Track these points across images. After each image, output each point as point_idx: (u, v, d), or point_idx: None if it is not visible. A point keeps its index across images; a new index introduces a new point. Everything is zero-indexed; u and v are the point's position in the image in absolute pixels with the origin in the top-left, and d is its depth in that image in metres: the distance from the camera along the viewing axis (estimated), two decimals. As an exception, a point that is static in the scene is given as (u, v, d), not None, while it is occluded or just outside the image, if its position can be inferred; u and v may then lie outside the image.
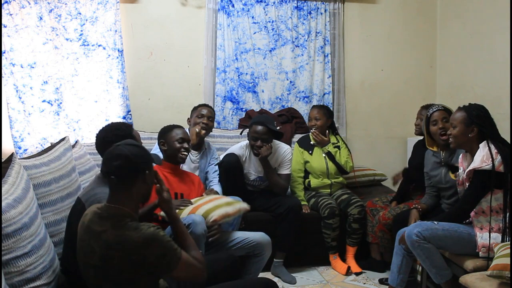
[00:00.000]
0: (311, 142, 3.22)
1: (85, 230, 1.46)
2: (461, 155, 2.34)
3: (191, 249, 1.55)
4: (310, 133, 3.22)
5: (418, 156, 2.88)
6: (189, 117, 3.11)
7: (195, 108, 3.10)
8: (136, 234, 1.37)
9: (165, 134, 2.50)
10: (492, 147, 2.10)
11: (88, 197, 1.77)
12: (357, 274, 2.93)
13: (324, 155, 3.19)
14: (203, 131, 2.93)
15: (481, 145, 2.14)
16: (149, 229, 1.39)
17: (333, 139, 3.27)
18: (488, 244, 2.10)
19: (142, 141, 3.11)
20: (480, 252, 2.12)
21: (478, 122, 2.16)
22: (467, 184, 2.21)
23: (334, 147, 3.22)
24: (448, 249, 2.24)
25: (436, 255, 2.23)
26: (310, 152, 3.21)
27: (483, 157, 2.09)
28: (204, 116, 2.99)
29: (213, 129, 3.44)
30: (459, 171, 2.32)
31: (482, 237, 2.13)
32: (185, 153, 2.46)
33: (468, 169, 2.15)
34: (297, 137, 3.54)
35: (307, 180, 3.22)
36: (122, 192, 1.46)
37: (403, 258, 2.42)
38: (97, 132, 1.97)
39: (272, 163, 3.00)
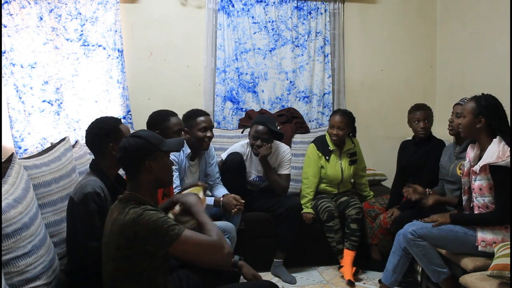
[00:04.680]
0: (330, 148, 3.09)
1: (108, 214, 1.61)
2: (469, 146, 2.33)
3: (210, 233, 1.55)
4: (330, 137, 3.08)
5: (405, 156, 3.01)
6: (186, 128, 2.68)
7: (190, 117, 2.74)
8: (133, 211, 1.48)
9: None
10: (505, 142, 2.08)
11: (75, 190, 1.81)
12: (350, 283, 2.80)
13: (340, 162, 3.11)
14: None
15: (495, 140, 2.11)
16: (142, 209, 1.48)
17: (349, 144, 3.16)
18: (488, 239, 2.10)
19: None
20: (479, 246, 2.11)
21: (486, 114, 2.15)
22: (473, 177, 2.19)
23: (350, 157, 3.15)
24: (444, 247, 2.25)
25: (432, 252, 2.23)
26: (327, 158, 3.09)
27: (499, 153, 2.06)
28: (208, 129, 2.72)
29: (213, 129, 3.45)
30: (465, 161, 2.31)
31: (483, 232, 2.14)
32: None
33: (482, 163, 2.12)
34: (297, 137, 3.54)
35: None
36: (132, 180, 1.60)
37: (400, 259, 2.42)
38: (86, 128, 1.98)
39: (271, 163, 2.99)
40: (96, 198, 1.75)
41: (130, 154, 1.56)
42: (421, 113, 2.89)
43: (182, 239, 1.47)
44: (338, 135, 3.03)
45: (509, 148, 2.07)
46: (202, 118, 2.72)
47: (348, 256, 2.92)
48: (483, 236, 2.12)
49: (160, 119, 2.53)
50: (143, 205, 1.50)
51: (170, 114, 2.56)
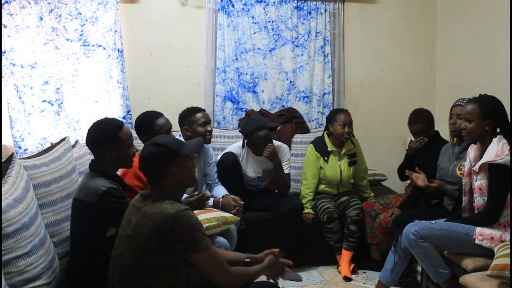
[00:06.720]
0: (328, 149, 3.08)
1: (129, 209, 1.62)
2: (470, 146, 2.33)
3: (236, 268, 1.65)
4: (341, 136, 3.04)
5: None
6: (185, 126, 2.75)
7: (188, 115, 2.76)
8: (171, 207, 1.51)
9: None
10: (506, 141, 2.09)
11: (85, 191, 1.80)
12: (347, 279, 2.87)
13: (339, 163, 3.10)
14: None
15: (495, 140, 2.13)
16: (185, 207, 1.52)
17: (349, 144, 3.14)
18: (486, 233, 2.10)
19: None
20: (476, 239, 2.11)
21: (492, 116, 2.16)
22: (474, 178, 2.20)
23: (349, 158, 3.13)
24: (446, 248, 2.24)
25: (434, 254, 2.23)
26: (325, 158, 3.09)
27: (498, 151, 2.08)
28: (207, 123, 2.76)
29: (213, 129, 3.45)
30: (465, 162, 2.31)
31: (482, 227, 2.14)
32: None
33: (481, 162, 2.13)
34: (297, 137, 3.53)
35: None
36: (155, 185, 1.61)
37: (399, 259, 2.43)
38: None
39: (269, 163, 2.98)
40: (113, 191, 1.78)
41: (152, 163, 1.59)
42: (421, 124, 2.97)
43: (207, 252, 1.52)
44: (350, 132, 3.07)
45: (508, 147, 2.07)
46: (200, 114, 2.75)
47: (345, 256, 2.96)
48: (481, 230, 2.12)
49: (147, 121, 2.51)
50: (180, 203, 1.55)
51: (156, 116, 2.53)
